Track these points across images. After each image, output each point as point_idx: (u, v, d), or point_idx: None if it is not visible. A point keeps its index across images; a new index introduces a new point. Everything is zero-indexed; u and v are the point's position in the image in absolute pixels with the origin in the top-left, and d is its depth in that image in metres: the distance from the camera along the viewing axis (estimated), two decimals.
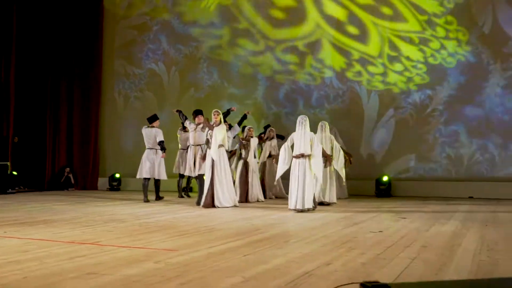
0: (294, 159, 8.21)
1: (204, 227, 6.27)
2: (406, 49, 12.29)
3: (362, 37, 12.64)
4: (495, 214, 7.82)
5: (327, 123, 9.91)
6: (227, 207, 8.83)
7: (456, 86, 11.89)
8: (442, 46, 12.00)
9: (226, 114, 10.31)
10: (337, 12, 12.83)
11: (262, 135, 11.57)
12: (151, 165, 10.29)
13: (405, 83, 12.30)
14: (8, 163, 13.60)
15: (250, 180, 10.32)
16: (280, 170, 8.34)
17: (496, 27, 11.51)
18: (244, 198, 10.13)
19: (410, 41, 12.25)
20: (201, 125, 9.74)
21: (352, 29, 12.74)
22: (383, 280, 3.34)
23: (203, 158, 9.22)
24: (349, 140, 12.06)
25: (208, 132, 9.02)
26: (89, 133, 15.15)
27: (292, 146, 8.30)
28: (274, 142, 11.41)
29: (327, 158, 8.88)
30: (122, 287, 3.30)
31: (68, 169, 14.94)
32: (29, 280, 3.46)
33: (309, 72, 13.21)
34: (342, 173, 9.64)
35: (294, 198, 8.03)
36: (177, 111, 10.61)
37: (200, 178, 9.53)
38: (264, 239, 5.28)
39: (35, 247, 4.77)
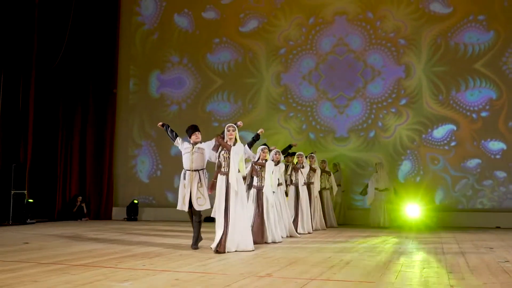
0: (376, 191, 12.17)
1: (324, 260, 6.32)
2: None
3: None
4: None
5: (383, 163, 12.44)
6: (245, 251, 6.95)
7: (479, 121, 12.60)
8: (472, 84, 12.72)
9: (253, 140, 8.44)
10: None
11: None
12: None
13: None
14: (25, 192, 13.09)
15: (265, 214, 8.35)
16: (369, 200, 12.22)
17: None
18: (260, 236, 8.15)
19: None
20: (199, 144, 7.50)
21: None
22: None
23: (211, 187, 7.22)
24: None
25: (222, 153, 7.15)
26: (102, 161, 14.78)
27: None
28: (282, 167, 9.74)
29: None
30: None
31: (80, 198, 14.46)
32: None
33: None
34: None
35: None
36: (162, 125, 7.98)
37: (198, 214, 7.50)
38: (420, 269, 5.43)
39: (224, 281, 4.71)
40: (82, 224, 12.93)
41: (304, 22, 14.02)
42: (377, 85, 13.39)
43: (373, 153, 13.26)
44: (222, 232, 6.86)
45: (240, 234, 6.98)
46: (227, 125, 7.27)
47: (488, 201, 12.39)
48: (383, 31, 13.43)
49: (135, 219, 14.14)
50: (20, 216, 12.68)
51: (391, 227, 11.92)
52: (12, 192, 12.72)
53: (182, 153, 7.59)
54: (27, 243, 8.13)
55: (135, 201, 14.27)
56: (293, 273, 5.16)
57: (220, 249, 6.76)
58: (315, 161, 11.56)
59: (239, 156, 7.06)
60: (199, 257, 6.42)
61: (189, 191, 7.33)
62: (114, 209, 14.70)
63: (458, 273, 5.17)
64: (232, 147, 7.04)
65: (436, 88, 12.95)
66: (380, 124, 13.31)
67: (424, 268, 5.55)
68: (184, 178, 7.45)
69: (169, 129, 7.83)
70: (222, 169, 7.10)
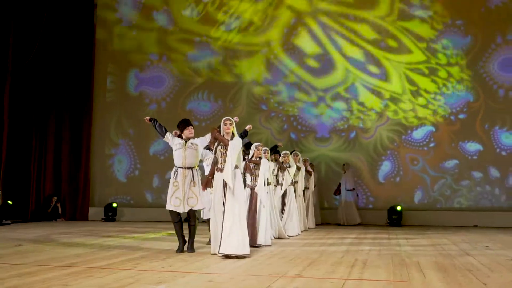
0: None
1: (340, 260, 6.37)
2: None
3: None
4: None
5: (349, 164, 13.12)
6: (241, 256, 6.30)
7: (457, 123, 12.98)
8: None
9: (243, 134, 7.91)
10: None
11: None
12: None
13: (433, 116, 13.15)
14: (0, 192, 12.61)
15: (257, 215, 7.96)
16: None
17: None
18: (252, 238, 7.50)
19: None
20: (192, 140, 7.04)
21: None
22: None
23: (206, 184, 6.87)
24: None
25: (218, 149, 6.63)
26: (78, 160, 14.40)
27: None
28: (271, 166, 9.39)
29: None
30: None
31: (55, 198, 14.03)
32: None
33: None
34: None
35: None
36: (150, 119, 7.39)
37: (193, 216, 7.14)
38: (441, 269, 5.54)
39: (258, 283, 4.67)
40: (59, 225, 12.54)
41: (286, 22, 14.06)
42: (358, 86, 13.58)
43: (354, 153, 13.45)
44: (223, 235, 6.32)
45: (237, 237, 6.30)
46: (224, 118, 6.61)
47: (466, 201, 12.77)
48: (364, 33, 13.62)
49: (113, 220, 13.83)
50: None
51: (368, 225, 12.27)
52: None
53: (173, 149, 7.08)
54: (20, 245, 7.83)
55: (114, 205, 13.95)
56: (320, 273, 5.17)
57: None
58: (299, 159, 11.20)
59: (237, 151, 6.48)
60: (211, 259, 6.31)
61: (180, 191, 6.88)
62: (91, 210, 14.34)
63: (480, 272, 5.30)
64: (230, 142, 6.46)
65: (416, 90, 13.25)
66: (361, 125, 13.51)
67: (443, 267, 5.66)
68: (176, 176, 6.95)
69: (158, 123, 7.26)
70: (219, 166, 6.57)
